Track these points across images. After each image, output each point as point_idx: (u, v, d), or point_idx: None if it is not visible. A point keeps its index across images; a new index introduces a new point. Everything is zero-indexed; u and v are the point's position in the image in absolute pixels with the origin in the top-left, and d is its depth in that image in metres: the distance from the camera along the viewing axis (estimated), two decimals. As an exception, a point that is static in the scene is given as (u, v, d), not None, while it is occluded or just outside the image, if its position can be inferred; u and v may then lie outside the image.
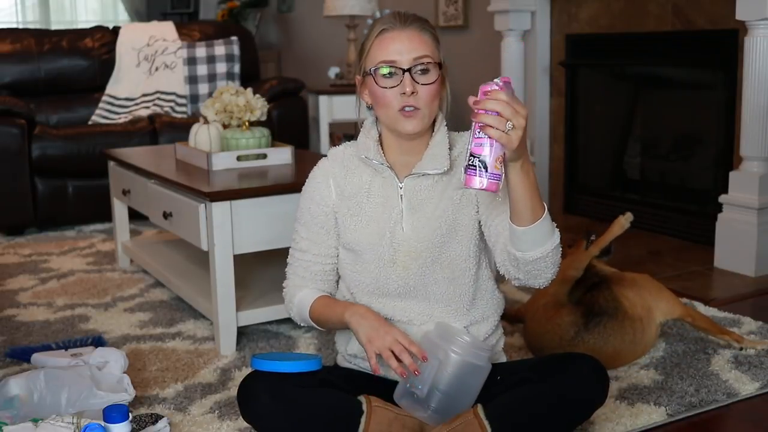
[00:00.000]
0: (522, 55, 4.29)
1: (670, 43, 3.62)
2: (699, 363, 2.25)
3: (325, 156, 1.85)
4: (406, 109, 1.65)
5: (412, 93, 1.64)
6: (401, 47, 1.65)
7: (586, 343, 2.21)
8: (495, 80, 1.44)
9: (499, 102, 1.40)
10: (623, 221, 2.46)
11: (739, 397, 2.07)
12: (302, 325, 1.89)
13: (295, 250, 1.88)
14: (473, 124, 1.43)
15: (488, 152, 1.41)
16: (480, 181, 1.42)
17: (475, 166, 1.42)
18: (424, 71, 1.66)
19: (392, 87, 1.65)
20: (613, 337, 2.21)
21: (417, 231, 1.71)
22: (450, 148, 1.74)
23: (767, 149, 3.05)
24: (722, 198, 3.17)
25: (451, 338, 1.65)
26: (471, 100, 1.43)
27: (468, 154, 1.43)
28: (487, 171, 1.42)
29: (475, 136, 1.43)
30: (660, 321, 2.29)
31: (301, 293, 1.84)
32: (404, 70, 1.64)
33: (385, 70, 1.65)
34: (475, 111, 1.41)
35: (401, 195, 1.73)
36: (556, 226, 1.61)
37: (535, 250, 1.55)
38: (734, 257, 3.12)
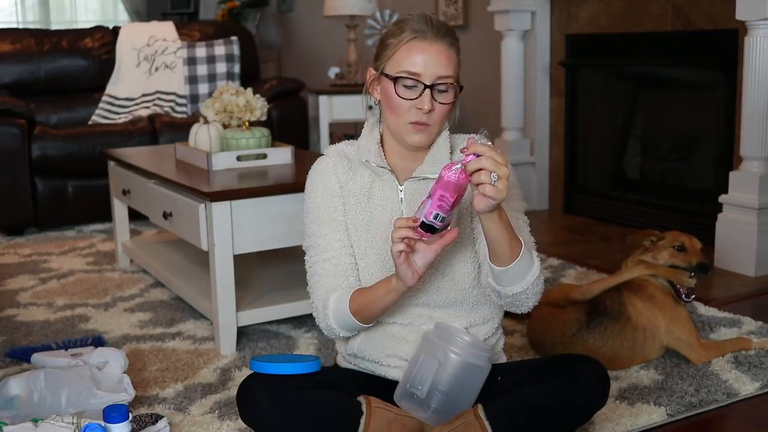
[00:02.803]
0: (522, 55, 4.29)
1: (670, 43, 3.62)
2: (699, 363, 2.26)
3: (323, 155, 1.83)
4: (417, 123, 1.65)
5: (429, 111, 1.63)
6: (428, 60, 1.62)
7: (586, 341, 2.21)
8: (472, 135, 1.49)
9: (481, 150, 1.42)
10: (636, 271, 2.38)
11: (739, 397, 2.07)
12: (341, 335, 1.74)
13: (315, 254, 1.75)
14: (434, 195, 1.47)
15: (434, 223, 1.48)
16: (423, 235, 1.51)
17: (426, 230, 1.49)
18: (444, 91, 1.64)
19: (410, 99, 1.64)
20: (612, 340, 2.21)
21: None
22: (451, 152, 1.74)
23: (767, 149, 3.05)
24: (722, 198, 3.18)
25: (451, 338, 1.65)
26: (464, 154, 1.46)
27: (424, 217, 1.48)
28: (426, 232, 1.50)
29: (427, 206, 1.46)
30: (666, 343, 2.26)
31: (333, 296, 1.71)
32: (426, 86, 1.63)
33: (407, 82, 1.64)
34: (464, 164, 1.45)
35: (401, 198, 1.72)
36: (537, 256, 1.64)
37: (514, 286, 1.60)
38: (734, 257, 3.12)
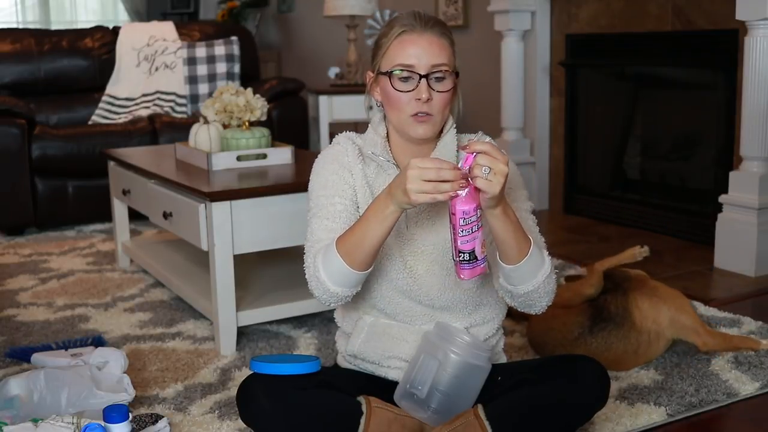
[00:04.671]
0: (522, 55, 4.29)
1: (670, 43, 3.62)
2: (699, 363, 2.25)
3: (333, 142, 1.81)
4: (419, 114, 1.65)
5: (428, 100, 1.63)
6: (420, 52, 1.63)
7: (588, 345, 2.20)
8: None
9: (479, 148, 1.45)
10: (636, 253, 2.39)
11: (739, 397, 2.07)
12: (331, 290, 1.62)
13: (314, 215, 1.71)
14: (452, 220, 1.48)
15: (475, 245, 1.48)
16: (472, 272, 1.51)
17: (467, 260, 1.49)
18: (441, 78, 1.64)
19: (407, 91, 1.64)
20: (615, 345, 2.20)
21: (422, 230, 1.71)
22: (458, 150, 1.74)
23: (767, 149, 3.05)
24: (722, 198, 3.17)
25: (451, 338, 1.65)
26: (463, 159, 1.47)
27: (456, 251, 1.49)
28: (477, 260, 1.50)
29: (460, 234, 1.48)
30: (671, 337, 2.25)
31: (321, 251, 1.64)
32: (421, 76, 1.63)
33: (401, 74, 1.64)
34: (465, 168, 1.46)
35: None
36: (548, 255, 1.64)
37: (525, 284, 1.60)
38: (734, 257, 3.12)
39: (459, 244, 1.48)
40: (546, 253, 1.64)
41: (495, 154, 1.44)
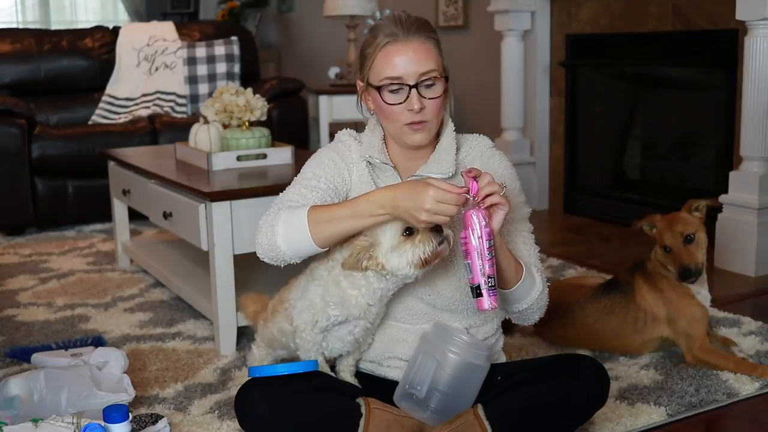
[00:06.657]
0: (522, 55, 4.29)
1: (670, 43, 3.62)
2: (699, 363, 2.25)
3: (336, 140, 1.82)
4: (413, 123, 1.65)
5: (421, 109, 1.63)
6: (407, 61, 1.62)
7: (597, 303, 2.32)
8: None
9: (486, 176, 1.52)
10: None
11: (739, 397, 2.07)
12: (280, 247, 1.61)
13: (294, 184, 1.73)
14: (478, 247, 1.50)
15: (495, 269, 1.52)
16: (496, 297, 1.54)
17: (494, 285, 1.52)
18: (431, 85, 1.64)
19: (399, 103, 1.64)
20: (617, 312, 2.28)
21: None
22: (457, 152, 1.73)
23: (767, 149, 3.05)
24: (722, 198, 3.18)
25: (449, 338, 1.65)
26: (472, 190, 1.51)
27: (485, 278, 1.50)
28: (496, 286, 1.53)
29: (487, 258, 1.50)
30: (665, 334, 2.26)
31: (292, 208, 1.62)
32: (411, 87, 1.62)
33: (391, 88, 1.63)
34: (479, 200, 1.51)
35: None
36: (539, 272, 1.70)
37: (520, 303, 1.68)
38: (734, 257, 3.12)
39: (487, 267, 1.51)
40: (535, 270, 1.69)
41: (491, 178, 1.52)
